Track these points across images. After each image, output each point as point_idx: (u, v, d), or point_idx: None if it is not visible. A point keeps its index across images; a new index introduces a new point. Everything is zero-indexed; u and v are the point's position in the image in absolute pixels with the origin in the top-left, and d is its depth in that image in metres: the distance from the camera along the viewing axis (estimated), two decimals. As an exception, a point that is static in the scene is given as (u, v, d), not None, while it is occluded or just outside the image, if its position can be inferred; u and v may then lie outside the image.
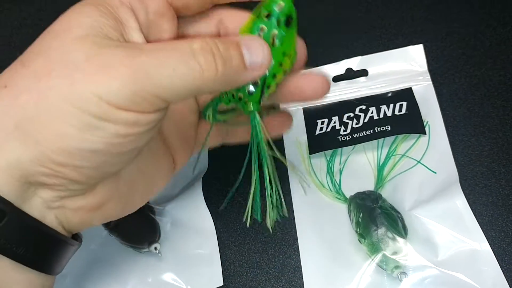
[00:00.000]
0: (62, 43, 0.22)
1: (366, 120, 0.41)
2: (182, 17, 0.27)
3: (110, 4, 0.23)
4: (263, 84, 0.25)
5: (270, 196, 0.28)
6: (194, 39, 0.23)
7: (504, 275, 0.33)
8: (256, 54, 0.24)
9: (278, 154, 0.27)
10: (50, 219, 0.24)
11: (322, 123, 0.42)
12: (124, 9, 0.24)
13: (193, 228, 0.38)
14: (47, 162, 0.22)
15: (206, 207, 0.39)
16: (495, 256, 0.34)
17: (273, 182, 0.28)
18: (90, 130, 0.21)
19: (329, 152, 0.41)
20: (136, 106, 0.21)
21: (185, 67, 0.22)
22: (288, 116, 0.32)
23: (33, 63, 0.22)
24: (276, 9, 0.24)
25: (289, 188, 0.40)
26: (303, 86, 0.27)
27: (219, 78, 0.22)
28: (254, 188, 0.28)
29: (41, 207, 0.23)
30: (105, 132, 0.22)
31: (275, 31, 0.24)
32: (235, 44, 0.23)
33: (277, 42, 0.25)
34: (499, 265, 0.34)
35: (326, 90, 0.27)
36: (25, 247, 0.23)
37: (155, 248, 0.37)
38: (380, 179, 0.39)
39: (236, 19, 0.27)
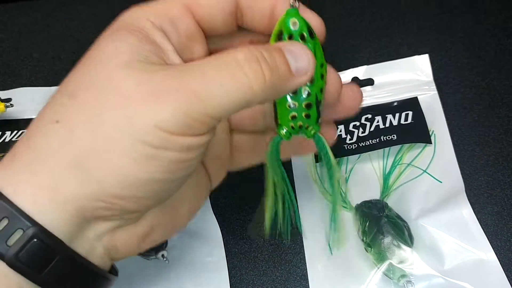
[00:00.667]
0: (108, 71, 0.21)
1: (372, 129, 0.41)
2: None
3: (143, 28, 0.23)
4: (316, 102, 0.25)
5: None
6: (237, 49, 0.22)
7: (510, 285, 0.34)
8: (301, 59, 0.23)
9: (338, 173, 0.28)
10: (98, 251, 0.23)
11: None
12: (157, 32, 0.23)
13: (200, 235, 0.38)
14: (105, 196, 0.21)
15: (213, 215, 0.39)
16: (501, 265, 0.34)
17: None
18: (148, 160, 0.21)
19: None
20: (190, 129, 0.21)
21: (232, 81, 0.21)
22: (333, 128, 0.30)
23: (82, 95, 0.22)
24: (294, 28, 0.24)
25: (296, 197, 0.40)
26: (343, 98, 0.27)
27: (267, 87, 0.22)
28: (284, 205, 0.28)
29: (92, 239, 0.23)
30: (162, 160, 0.21)
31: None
32: (278, 50, 0.23)
33: None
34: (505, 274, 0.34)
35: (361, 99, 0.27)
36: (71, 285, 0.22)
37: (163, 256, 0.37)
38: (386, 188, 0.39)
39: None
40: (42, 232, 0.21)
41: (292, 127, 0.25)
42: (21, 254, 0.20)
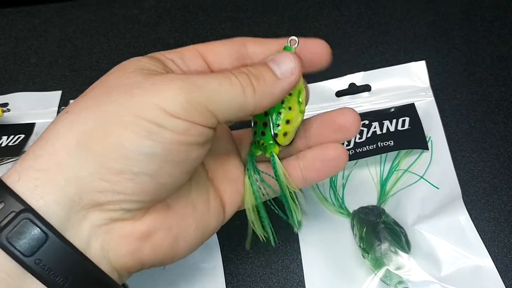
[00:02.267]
0: (119, 74, 0.25)
1: (369, 135, 0.41)
2: None
3: (155, 55, 0.27)
4: (271, 122, 0.28)
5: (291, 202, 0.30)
6: (227, 69, 0.26)
7: (507, 291, 0.34)
8: (284, 64, 0.26)
9: (296, 201, 0.30)
10: (94, 248, 0.24)
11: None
12: (169, 62, 0.27)
13: (197, 241, 0.38)
14: (105, 173, 0.23)
15: (210, 220, 0.39)
16: (498, 272, 0.34)
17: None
18: (148, 134, 0.23)
19: (332, 166, 0.41)
20: (188, 114, 0.23)
21: (228, 83, 0.24)
22: (343, 153, 0.31)
23: (92, 92, 0.25)
24: None
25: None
26: (340, 122, 0.30)
27: (258, 94, 0.25)
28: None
29: (87, 233, 0.23)
30: (161, 137, 0.23)
31: None
32: (262, 63, 0.26)
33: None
34: (502, 281, 0.34)
35: (359, 124, 0.30)
36: (63, 278, 0.22)
37: (159, 261, 0.37)
38: (383, 194, 0.39)
39: (256, 45, 0.29)
40: (33, 215, 0.22)
41: (255, 142, 0.29)
42: (10, 235, 0.22)
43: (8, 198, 0.22)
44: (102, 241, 0.24)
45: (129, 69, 0.25)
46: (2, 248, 0.22)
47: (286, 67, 0.26)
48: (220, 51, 0.28)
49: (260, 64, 0.26)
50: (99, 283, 0.24)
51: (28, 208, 0.22)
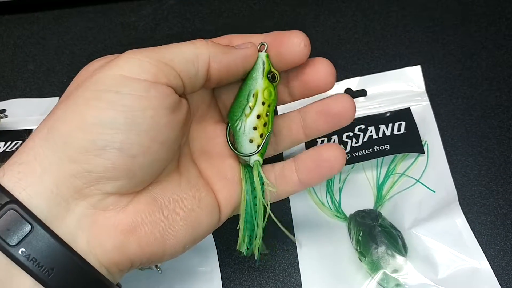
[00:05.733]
0: (85, 72, 0.26)
1: (365, 139, 0.41)
2: None
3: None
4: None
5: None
6: None
7: (504, 293, 0.34)
8: (243, 44, 0.28)
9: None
10: (81, 242, 0.24)
11: (322, 141, 0.42)
12: None
13: (193, 245, 0.38)
14: (73, 153, 0.23)
15: (207, 225, 0.39)
16: (494, 274, 0.34)
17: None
18: (108, 105, 0.23)
19: (329, 170, 0.41)
20: (144, 72, 0.24)
21: (182, 44, 0.26)
22: (340, 153, 0.31)
23: (65, 92, 0.26)
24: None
25: (289, 207, 0.40)
26: (336, 111, 0.30)
27: (211, 47, 0.26)
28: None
29: (74, 226, 0.24)
30: (122, 104, 0.23)
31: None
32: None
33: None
34: (499, 283, 0.34)
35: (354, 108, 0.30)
36: (48, 268, 0.22)
37: (156, 266, 0.37)
38: (379, 198, 0.39)
39: (239, 39, 0.29)
40: (18, 206, 0.22)
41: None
42: None
43: None
44: (88, 235, 0.24)
45: (93, 62, 0.26)
46: None
47: (245, 44, 0.28)
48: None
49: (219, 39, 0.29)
50: (86, 275, 0.24)
51: (13, 200, 0.22)
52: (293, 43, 0.28)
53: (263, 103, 0.29)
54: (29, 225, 0.22)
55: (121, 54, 0.25)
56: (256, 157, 0.30)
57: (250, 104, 0.29)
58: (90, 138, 0.23)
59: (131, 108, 0.23)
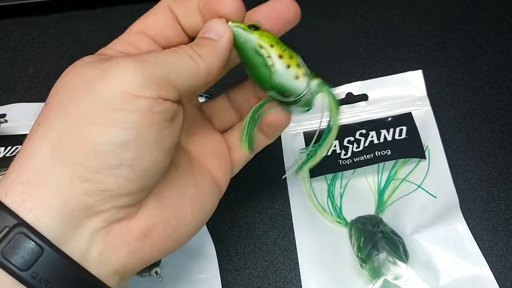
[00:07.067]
0: (73, 74, 0.25)
1: (366, 144, 0.41)
2: None
3: (105, 53, 0.27)
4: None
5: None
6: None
7: (506, 301, 0.34)
8: (214, 27, 0.27)
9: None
10: (93, 255, 0.24)
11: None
12: (117, 52, 0.27)
13: (194, 252, 0.38)
14: (84, 173, 0.23)
15: (207, 231, 0.39)
16: (496, 281, 0.34)
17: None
18: (113, 123, 0.23)
19: (330, 175, 0.41)
20: (148, 90, 0.23)
21: (177, 55, 0.25)
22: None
23: (56, 97, 0.25)
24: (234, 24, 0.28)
25: (290, 212, 0.40)
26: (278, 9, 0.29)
27: (205, 59, 0.26)
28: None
29: (86, 241, 0.23)
30: (127, 121, 0.23)
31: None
32: (198, 37, 0.28)
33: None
34: (501, 290, 0.34)
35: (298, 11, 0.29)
36: None
37: (156, 272, 0.37)
38: (380, 204, 0.39)
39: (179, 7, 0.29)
40: (27, 229, 0.22)
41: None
42: (6, 250, 0.22)
43: (1, 212, 0.22)
44: (102, 247, 0.24)
45: (81, 66, 0.25)
46: None
47: (217, 29, 0.27)
48: (155, 23, 0.28)
49: (197, 38, 0.27)
50: None
51: (21, 222, 0.22)
52: (225, 4, 0.28)
53: (272, 46, 0.28)
54: (40, 248, 0.22)
55: (115, 59, 0.24)
56: (315, 80, 0.29)
57: (266, 55, 0.28)
58: (101, 159, 0.23)
59: (137, 125, 0.23)
